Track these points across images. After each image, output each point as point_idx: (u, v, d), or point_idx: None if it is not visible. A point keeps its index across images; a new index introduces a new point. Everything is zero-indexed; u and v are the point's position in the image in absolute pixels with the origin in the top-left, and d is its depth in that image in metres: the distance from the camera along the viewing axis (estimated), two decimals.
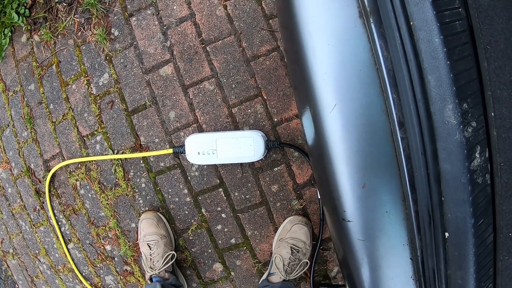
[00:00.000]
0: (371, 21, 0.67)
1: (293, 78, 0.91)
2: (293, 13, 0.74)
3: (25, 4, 1.64)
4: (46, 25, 1.61)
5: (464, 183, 0.71)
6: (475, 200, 0.73)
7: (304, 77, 0.74)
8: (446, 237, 0.76)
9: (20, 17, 1.63)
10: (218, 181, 1.46)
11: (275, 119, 1.41)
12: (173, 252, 1.44)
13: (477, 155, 0.72)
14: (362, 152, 0.71)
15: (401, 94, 0.68)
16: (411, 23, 0.67)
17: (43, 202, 1.69)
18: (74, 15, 1.56)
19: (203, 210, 1.50)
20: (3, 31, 1.69)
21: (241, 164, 1.43)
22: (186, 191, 1.49)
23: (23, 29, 1.66)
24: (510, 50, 0.74)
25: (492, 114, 0.73)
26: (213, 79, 1.42)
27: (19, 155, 1.71)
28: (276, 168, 1.42)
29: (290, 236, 1.37)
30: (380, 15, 0.67)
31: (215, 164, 1.45)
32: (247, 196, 1.46)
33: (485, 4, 0.73)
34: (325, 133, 0.72)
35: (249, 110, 1.41)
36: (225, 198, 1.47)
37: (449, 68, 0.66)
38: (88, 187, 1.59)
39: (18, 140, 1.70)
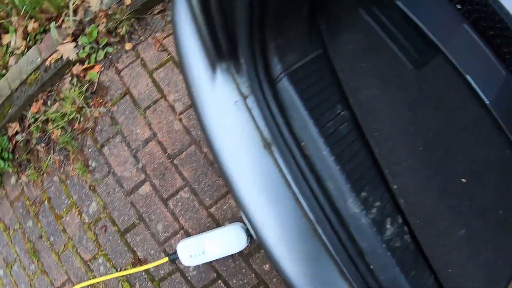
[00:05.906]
0: (273, 150, 0.83)
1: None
2: (213, 147, 0.89)
3: (8, 149, 1.80)
4: (31, 166, 1.77)
5: (383, 252, 0.83)
6: (400, 259, 0.84)
7: (234, 196, 0.88)
8: None
9: (6, 162, 1.79)
10: (215, 274, 1.57)
11: None
12: None
13: (389, 226, 0.85)
14: (297, 251, 0.83)
15: (309, 200, 0.81)
16: (303, 143, 0.82)
17: None
18: (53, 153, 1.72)
19: None
20: None
21: (231, 255, 1.54)
22: None
23: (11, 172, 1.81)
24: (395, 131, 0.89)
25: (395, 186, 0.86)
26: (187, 187, 1.56)
27: (30, 287, 1.82)
28: (262, 250, 1.53)
29: None
30: (279, 144, 0.83)
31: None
32: (244, 281, 1.56)
33: (364, 98, 0.88)
34: (263, 240, 0.85)
35: (225, 207, 1.54)
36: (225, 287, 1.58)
37: (341, 171, 0.81)
38: None
39: (27, 273, 1.82)
